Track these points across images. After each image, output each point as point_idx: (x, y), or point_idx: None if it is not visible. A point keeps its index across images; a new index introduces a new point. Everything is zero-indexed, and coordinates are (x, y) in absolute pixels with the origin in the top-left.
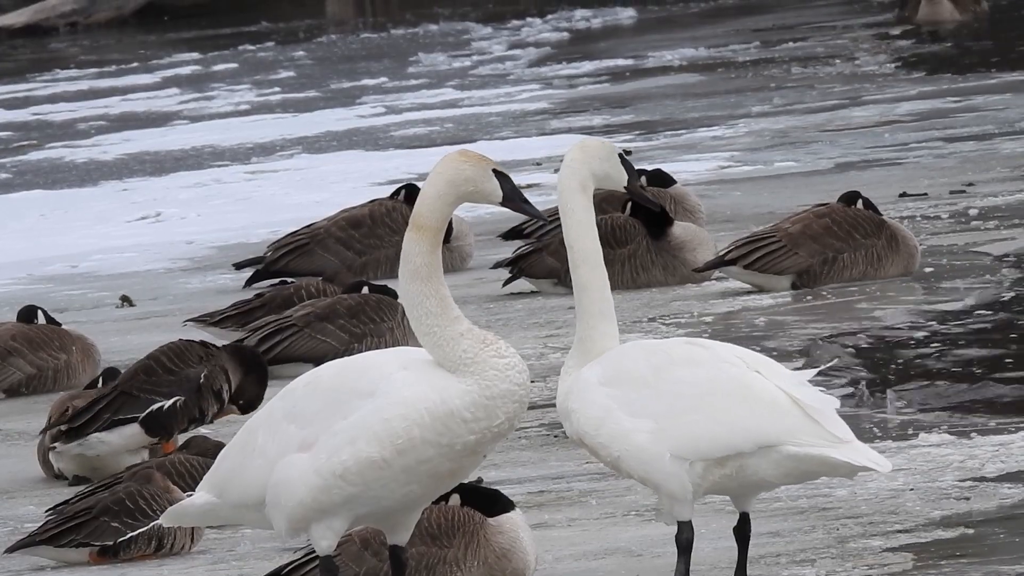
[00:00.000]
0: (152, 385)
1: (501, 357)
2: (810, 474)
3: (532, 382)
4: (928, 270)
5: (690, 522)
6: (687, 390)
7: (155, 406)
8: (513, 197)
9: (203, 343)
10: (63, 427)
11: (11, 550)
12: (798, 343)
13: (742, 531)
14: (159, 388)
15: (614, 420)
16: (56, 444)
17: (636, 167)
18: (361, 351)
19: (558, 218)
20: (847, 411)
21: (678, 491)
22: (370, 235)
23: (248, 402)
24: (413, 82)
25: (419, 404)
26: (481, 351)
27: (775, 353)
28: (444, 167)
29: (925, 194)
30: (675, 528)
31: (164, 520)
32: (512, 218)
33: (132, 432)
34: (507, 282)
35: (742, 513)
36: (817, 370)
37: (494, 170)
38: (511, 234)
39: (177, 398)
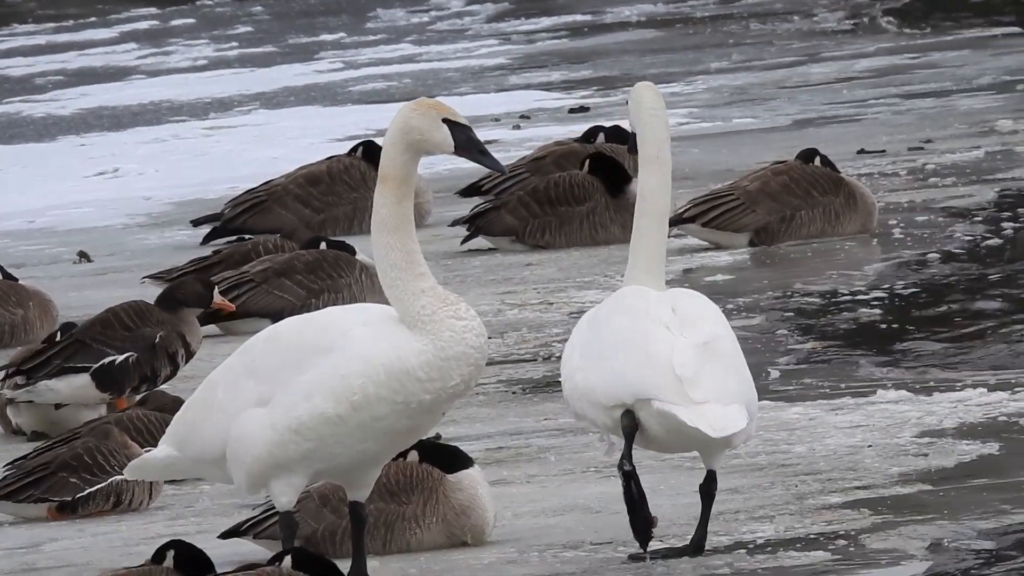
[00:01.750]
0: (107, 338)
1: (459, 319)
2: (683, 435)
3: (490, 338)
4: (886, 227)
5: (630, 412)
6: (610, 338)
7: (107, 359)
8: (468, 147)
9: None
10: (18, 381)
11: None
12: (755, 301)
13: (707, 488)
14: (113, 342)
15: (570, 359)
16: (7, 391)
17: (595, 124)
18: (318, 307)
19: (517, 173)
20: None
21: (606, 428)
22: (328, 192)
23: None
24: (371, 37)
25: (375, 361)
26: (440, 310)
27: (727, 312)
28: (397, 117)
29: (883, 151)
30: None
31: (127, 473)
32: (470, 175)
33: (82, 383)
34: (465, 240)
35: (709, 471)
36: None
37: (446, 120)
38: (469, 191)
39: (130, 354)
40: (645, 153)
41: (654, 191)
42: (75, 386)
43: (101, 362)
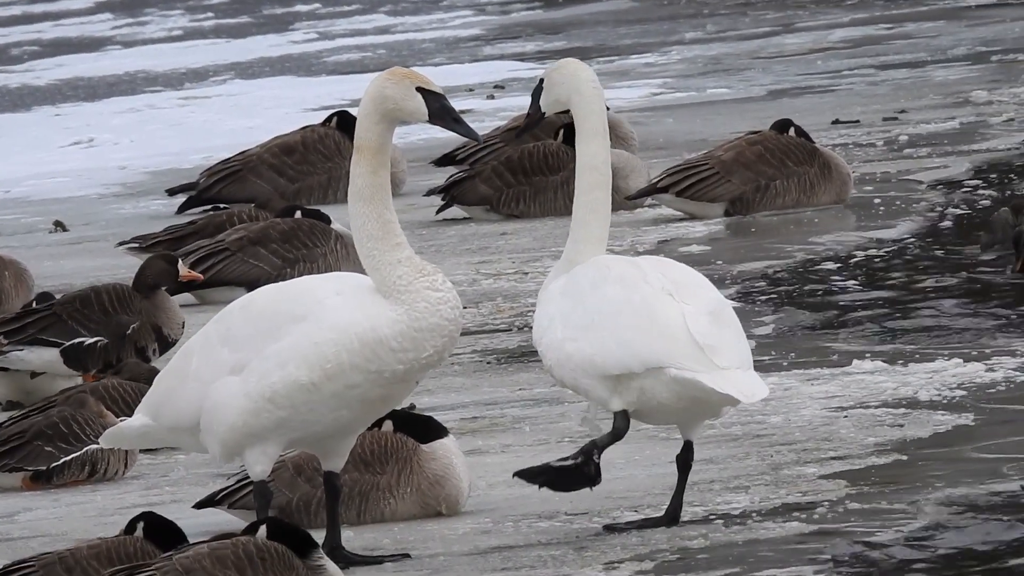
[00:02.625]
0: (83, 317)
1: (435, 290)
2: (700, 401)
3: (465, 308)
4: (861, 198)
5: (624, 411)
6: (604, 307)
7: (78, 340)
8: (442, 115)
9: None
10: None
11: None
12: (729, 271)
13: (684, 459)
14: (87, 323)
15: (551, 331)
16: None
17: None
18: (294, 276)
19: (491, 143)
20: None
21: (604, 396)
22: (302, 161)
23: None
24: (346, 8)
25: (349, 329)
26: (415, 280)
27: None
28: (370, 86)
29: (857, 121)
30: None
31: (103, 441)
32: (444, 145)
33: (50, 358)
34: (440, 210)
35: (686, 441)
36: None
37: (420, 88)
38: (444, 160)
39: (100, 339)
40: (590, 126)
41: (604, 163)
42: (44, 359)
43: (72, 341)
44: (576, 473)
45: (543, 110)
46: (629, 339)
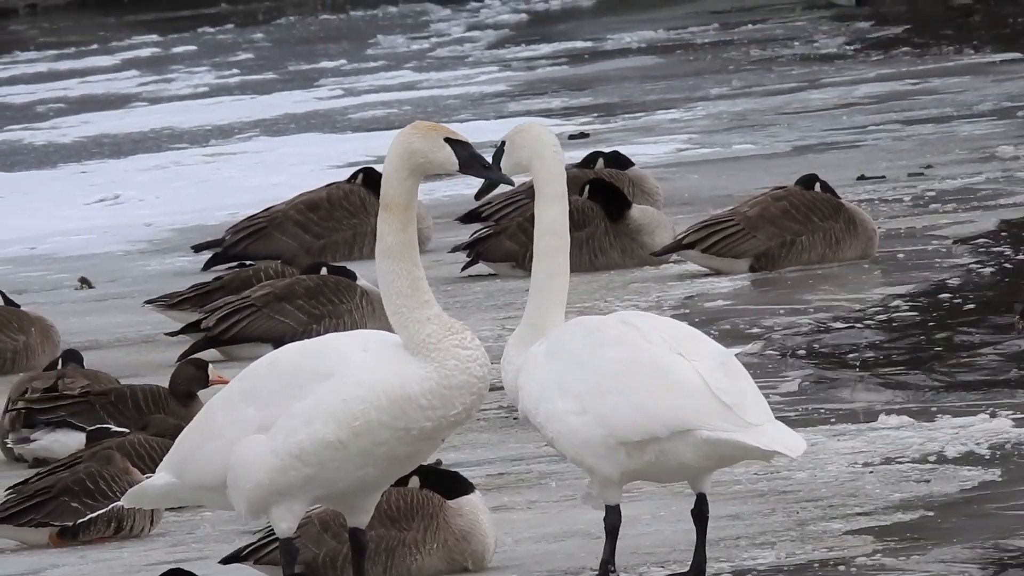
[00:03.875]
0: (115, 411)
1: (464, 348)
2: (728, 458)
3: (491, 364)
4: (886, 253)
5: (617, 506)
6: (612, 371)
7: (104, 426)
8: (472, 164)
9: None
10: (20, 408)
11: None
12: (755, 327)
13: (699, 512)
14: (119, 417)
15: (548, 399)
16: (9, 440)
17: (594, 150)
18: (319, 332)
19: (517, 199)
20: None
21: (609, 474)
22: (328, 218)
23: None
24: (371, 64)
25: (377, 387)
26: (445, 338)
27: (728, 337)
28: (396, 142)
29: (883, 177)
30: (603, 512)
31: (125, 501)
32: (469, 201)
33: (78, 442)
34: (466, 266)
35: (699, 494)
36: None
37: (447, 138)
38: (469, 217)
39: (124, 431)
40: (550, 190)
41: (564, 227)
42: (67, 445)
43: (97, 426)
44: None
45: (503, 172)
46: (647, 403)
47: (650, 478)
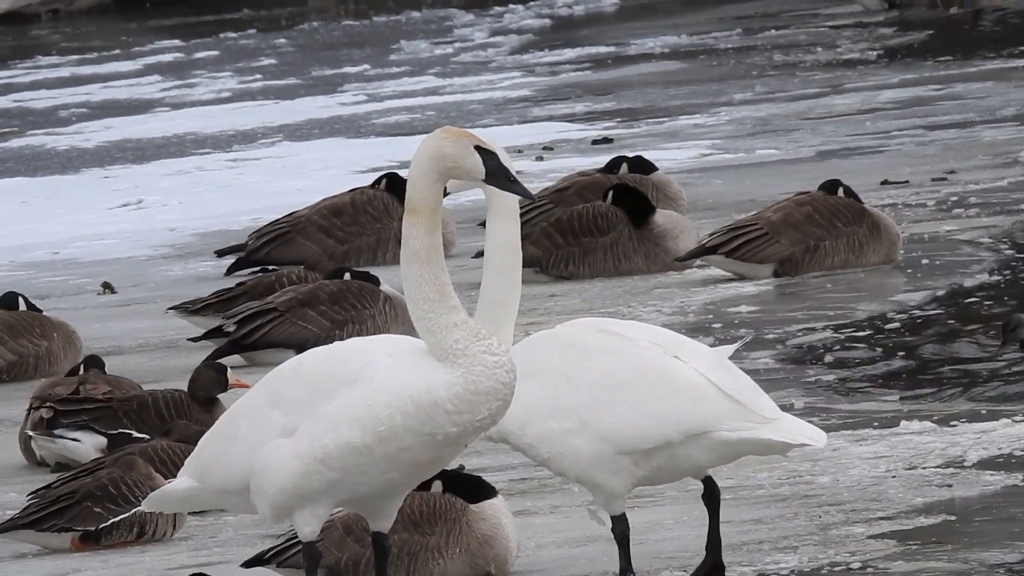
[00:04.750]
0: (138, 419)
1: (492, 354)
2: (743, 454)
3: None
4: (910, 258)
5: (623, 515)
6: (608, 381)
7: (125, 431)
8: (498, 174)
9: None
10: (44, 414)
11: None
12: (779, 331)
13: (711, 495)
14: (142, 425)
15: (537, 420)
16: (33, 434)
17: (617, 155)
18: (342, 338)
19: (540, 204)
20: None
21: (618, 488)
22: (351, 223)
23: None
24: (395, 70)
25: (403, 392)
26: (472, 344)
27: (751, 341)
28: (425, 146)
29: (907, 182)
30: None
31: (146, 505)
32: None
33: (101, 444)
34: None
35: (706, 479)
36: (735, 347)
37: (477, 147)
38: None
39: (145, 437)
40: (502, 205)
41: (518, 241)
42: (87, 451)
43: (119, 431)
44: None
45: (449, 191)
46: (657, 409)
47: (655, 482)
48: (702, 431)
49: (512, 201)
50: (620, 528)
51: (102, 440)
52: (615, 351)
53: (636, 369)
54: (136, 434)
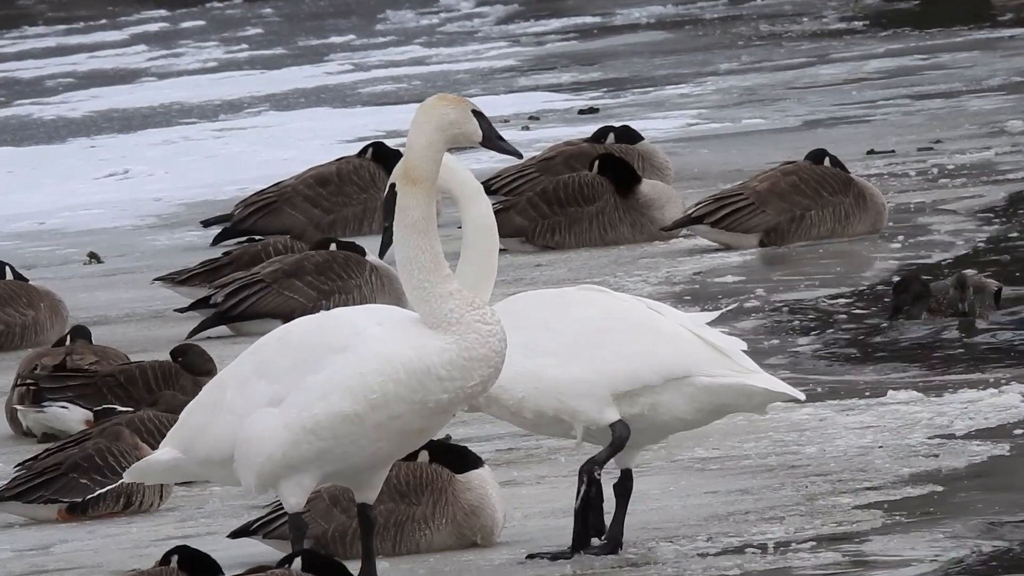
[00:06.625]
0: (125, 392)
1: (486, 323)
2: (724, 407)
3: None
4: (896, 228)
5: (621, 419)
6: (590, 327)
7: (110, 407)
8: (491, 136)
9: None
10: (30, 385)
11: None
12: (765, 301)
13: (623, 484)
14: (127, 399)
15: (513, 364)
16: (19, 406)
17: (604, 125)
18: (329, 308)
19: (526, 174)
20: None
21: (596, 414)
22: (337, 193)
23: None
24: (381, 39)
25: (395, 359)
26: (467, 313)
27: (736, 310)
28: (428, 115)
29: (893, 151)
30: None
31: (128, 476)
32: (479, 174)
33: (88, 418)
34: None
35: (624, 470)
36: (719, 313)
37: (473, 111)
38: None
39: (131, 410)
40: (470, 188)
41: (494, 223)
42: (75, 419)
43: (105, 406)
44: (582, 509)
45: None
46: (638, 352)
47: (637, 442)
48: (682, 375)
49: (476, 184)
50: (620, 430)
51: (88, 413)
52: (597, 302)
53: (618, 318)
54: (120, 408)
